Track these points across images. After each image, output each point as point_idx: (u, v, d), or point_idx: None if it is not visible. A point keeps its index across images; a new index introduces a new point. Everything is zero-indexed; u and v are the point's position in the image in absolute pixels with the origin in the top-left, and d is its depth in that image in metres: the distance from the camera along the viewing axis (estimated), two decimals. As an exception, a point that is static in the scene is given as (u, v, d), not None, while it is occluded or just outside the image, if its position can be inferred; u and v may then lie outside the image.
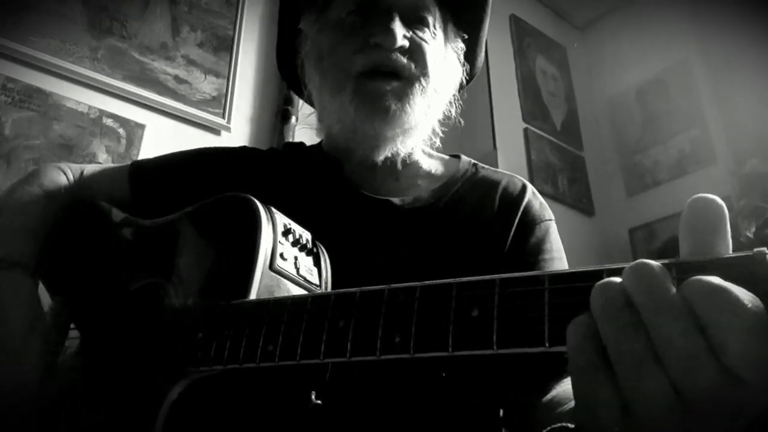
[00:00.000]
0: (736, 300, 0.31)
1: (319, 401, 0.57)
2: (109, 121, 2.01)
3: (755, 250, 0.34)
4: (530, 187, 0.89)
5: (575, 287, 0.37)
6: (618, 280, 0.34)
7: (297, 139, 1.04)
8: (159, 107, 2.13)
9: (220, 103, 2.27)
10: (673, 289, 0.33)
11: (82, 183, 0.89)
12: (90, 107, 1.98)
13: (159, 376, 0.58)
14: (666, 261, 0.35)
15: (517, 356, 0.69)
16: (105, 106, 2.01)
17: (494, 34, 3.20)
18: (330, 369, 0.58)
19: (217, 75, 2.31)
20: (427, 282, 0.44)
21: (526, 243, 0.82)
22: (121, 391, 0.64)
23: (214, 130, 2.26)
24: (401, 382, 0.69)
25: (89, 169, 0.92)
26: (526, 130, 3.01)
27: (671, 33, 3.19)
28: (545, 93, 3.26)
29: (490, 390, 0.75)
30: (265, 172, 0.87)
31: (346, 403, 0.65)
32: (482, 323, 0.39)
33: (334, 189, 0.84)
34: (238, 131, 2.31)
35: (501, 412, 0.77)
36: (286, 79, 0.98)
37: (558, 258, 0.82)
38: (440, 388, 0.71)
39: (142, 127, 2.07)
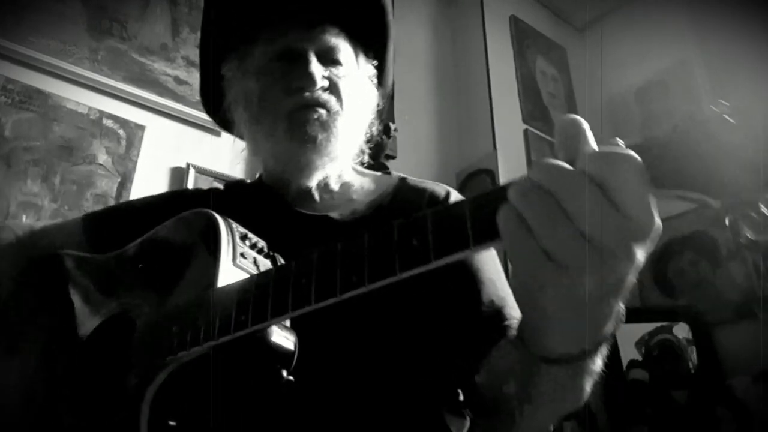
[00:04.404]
0: (615, 154, 0.42)
1: (291, 377, 0.61)
2: (109, 122, 2.01)
3: (610, 140, 0.45)
4: (454, 193, 0.96)
5: (488, 197, 0.46)
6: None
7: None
8: (159, 108, 2.13)
9: (220, 104, 2.27)
10: (569, 167, 0.43)
11: (35, 235, 0.95)
12: (90, 108, 1.98)
13: (140, 372, 0.62)
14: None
15: (458, 326, 0.79)
16: (105, 107, 2.02)
17: (494, 35, 3.20)
18: (299, 346, 0.63)
19: (217, 76, 2.31)
20: (372, 231, 0.52)
21: None
22: (105, 395, 0.67)
23: (214, 131, 2.26)
24: (369, 357, 0.75)
25: (39, 225, 0.97)
26: (526, 131, 3.01)
27: (671, 33, 3.19)
28: (545, 94, 3.26)
29: (440, 358, 0.81)
30: (212, 209, 0.92)
31: (317, 379, 0.69)
32: (421, 247, 0.47)
33: (275, 213, 0.91)
34: (238, 132, 2.31)
35: (461, 394, 0.83)
36: (213, 117, 1.05)
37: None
38: (404, 366, 0.77)
39: (142, 128, 2.07)
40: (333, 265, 0.52)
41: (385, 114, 2.87)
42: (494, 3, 3.28)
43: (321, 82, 0.87)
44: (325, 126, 0.86)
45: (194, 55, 2.28)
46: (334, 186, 0.95)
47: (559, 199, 0.41)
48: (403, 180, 0.99)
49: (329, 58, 0.90)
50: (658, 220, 0.42)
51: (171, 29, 2.26)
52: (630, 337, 2.83)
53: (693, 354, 2.69)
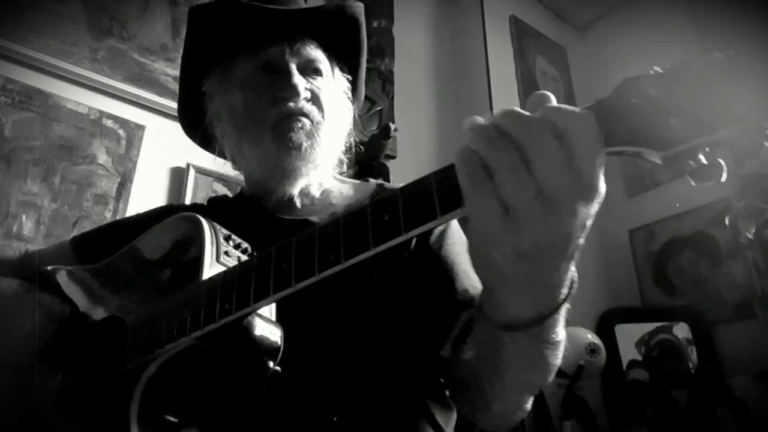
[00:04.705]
0: (572, 110, 0.45)
1: (277, 368, 0.63)
2: (109, 122, 2.01)
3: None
4: None
5: (453, 169, 0.48)
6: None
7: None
8: (159, 108, 2.13)
9: (220, 103, 2.27)
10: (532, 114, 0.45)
11: (28, 257, 0.99)
12: (90, 108, 1.98)
13: (131, 368, 0.64)
14: None
15: (435, 314, 0.80)
16: (105, 107, 2.02)
17: (494, 35, 3.20)
18: (284, 338, 0.65)
19: (217, 76, 2.31)
20: (346, 213, 0.54)
21: (429, 236, 0.90)
22: (97, 394, 0.69)
23: (214, 130, 2.26)
24: (354, 349, 0.78)
25: (32, 249, 1.03)
26: (526, 131, 3.01)
27: (671, 33, 3.19)
28: (545, 93, 3.26)
29: (419, 347, 0.83)
30: None
31: (302, 369, 0.71)
32: (392, 221, 0.50)
33: (256, 220, 0.94)
34: (238, 132, 2.30)
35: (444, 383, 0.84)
36: (191, 136, 1.08)
37: (459, 242, 0.90)
38: (387, 356, 0.79)
39: (142, 128, 2.07)
40: (311, 247, 0.54)
41: (386, 114, 2.88)
42: (494, 3, 3.28)
43: (304, 93, 0.91)
44: (310, 134, 0.90)
45: (194, 55, 2.28)
46: (315, 193, 0.98)
47: (522, 146, 0.44)
48: (380, 185, 1.03)
49: (310, 70, 0.95)
50: (603, 185, 0.45)
51: (171, 29, 2.26)
52: (630, 337, 2.83)
53: (693, 354, 2.69)
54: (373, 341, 0.79)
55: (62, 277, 0.85)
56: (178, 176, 2.11)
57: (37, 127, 1.85)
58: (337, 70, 1.02)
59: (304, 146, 0.89)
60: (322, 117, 0.92)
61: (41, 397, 0.74)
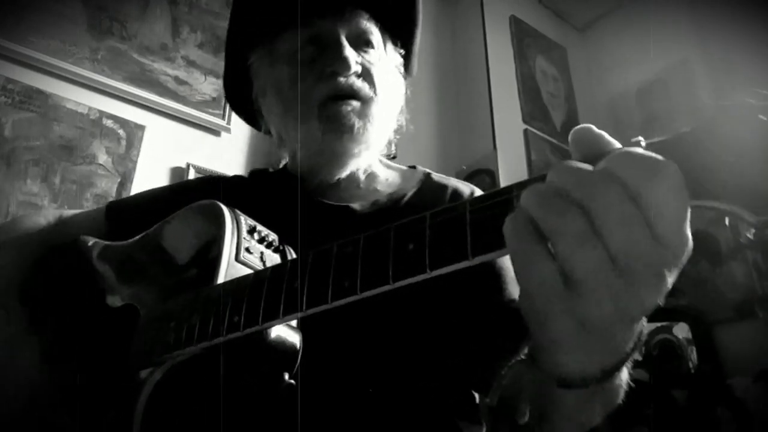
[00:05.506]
0: (655, 159, 0.35)
1: (292, 381, 0.59)
2: (109, 122, 2.01)
3: (632, 140, 0.39)
4: (478, 192, 0.94)
5: (492, 203, 0.41)
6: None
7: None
8: (159, 108, 2.13)
9: (220, 104, 2.28)
10: (599, 171, 0.36)
11: (60, 223, 0.95)
12: (90, 108, 1.98)
13: (138, 370, 0.61)
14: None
15: (478, 327, 0.74)
16: (105, 107, 2.02)
17: (494, 35, 3.20)
18: (302, 349, 0.61)
19: (217, 76, 2.31)
20: (368, 233, 0.49)
21: None
22: (102, 394, 0.66)
23: (214, 131, 2.26)
24: (372, 361, 0.72)
25: (67, 213, 0.99)
26: (526, 131, 3.01)
27: (671, 33, 3.18)
28: (545, 93, 3.26)
29: (458, 360, 0.77)
30: (232, 197, 0.89)
31: (318, 382, 0.67)
32: (417, 253, 0.44)
33: (295, 202, 0.89)
34: (237, 132, 2.31)
35: (476, 397, 0.79)
36: (237, 112, 1.04)
37: None
38: (412, 367, 0.74)
39: (142, 128, 2.07)
40: (326, 268, 0.50)
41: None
42: (494, 3, 3.28)
43: (355, 67, 0.84)
44: (361, 114, 0.84)
45: (194, 54, 2.28)
46: (361, 176, 0.92)
47: (587, 210, 0.35)
48: (428, 175, 0.98)
49: (361, 42, 0.88)
50: (690, 242, 0.36)
51: (171, 29, 2.26)
52: (630, 336, 2.82)
53: (693, 354, 2.69)
54: (404, 351, 0.73)
55: (89, 253, 0.82)
56: (178, 176, 2.11)
57: (37, 127, 1.85)
58: (389, 44, 0.95)
59: (356, 127, 0.83)
60: (374, 93, 0.86)
61: (42, 396, 0.73)
